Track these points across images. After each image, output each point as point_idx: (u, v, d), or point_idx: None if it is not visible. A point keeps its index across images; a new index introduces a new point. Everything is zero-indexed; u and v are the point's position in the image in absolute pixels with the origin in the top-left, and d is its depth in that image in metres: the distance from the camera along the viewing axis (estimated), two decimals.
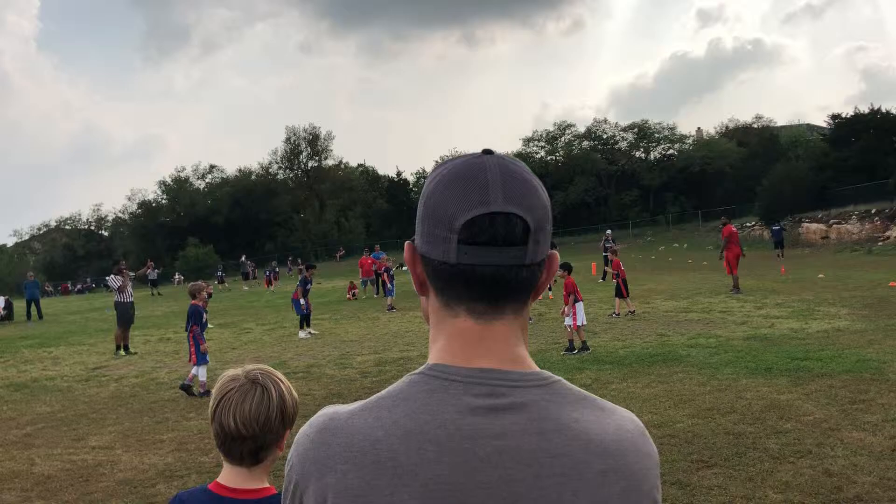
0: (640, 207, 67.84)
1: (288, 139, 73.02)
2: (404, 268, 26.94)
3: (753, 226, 51.18)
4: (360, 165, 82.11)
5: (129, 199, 76.10)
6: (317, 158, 74.31)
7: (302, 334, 15.67)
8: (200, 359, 9.67)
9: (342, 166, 78.27)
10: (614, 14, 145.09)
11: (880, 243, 33.92)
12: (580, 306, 11.18)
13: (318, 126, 75.89)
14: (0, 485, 6.24)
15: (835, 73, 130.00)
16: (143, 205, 74.57)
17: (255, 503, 1.73)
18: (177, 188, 73.71)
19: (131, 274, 15.23)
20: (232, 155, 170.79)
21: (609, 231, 27.94)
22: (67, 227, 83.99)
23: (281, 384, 1.79)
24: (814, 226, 42.13)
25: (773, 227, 38.61)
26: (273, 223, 70.55)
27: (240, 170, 76.43)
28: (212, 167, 78.35)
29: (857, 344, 10.09)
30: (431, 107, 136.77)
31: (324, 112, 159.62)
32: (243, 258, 53.70)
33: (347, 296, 26.57)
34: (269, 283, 40.49)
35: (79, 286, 65.69)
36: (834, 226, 39.80)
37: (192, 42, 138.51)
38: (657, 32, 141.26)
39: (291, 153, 73.60)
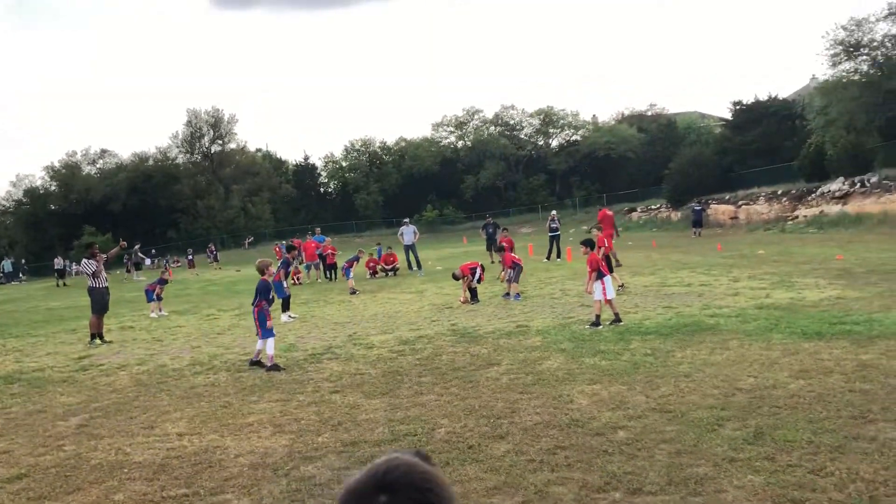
0: (547, 191, 69.18)
1: (189, 122, 70.13)
2: (378, 248, 26.32)
3: (660, 208, 53.16)
4: (258, 150, 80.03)
5: (14, 185, 71.23)
6: (220, 142, 71.74)
7: (284, 317, 15.12)
8: (266, 333, 9.67)
9: (243, 150, 75.93)
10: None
11: (790, 222, 35.85)
12: (609, 280, 11.25)
13: (221, 109, 73.23)
14: (111, 475, 5.69)
15: (713, 61, 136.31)
16: (30, 192, 70.02)
17: None
18: (68, 174, 69.56)
19: (104, 256, 14.21)
20: (100, 138, 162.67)
21: (554, 212, 28.36)
22: None
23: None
24: (722, 207, 44.08)
25: (695, 208, 40.12)
26: (175, 210, 67.74)
27: (135, 154, 72.94)
28: (103, 151, 74.49)
29: (873, 308, 10.60)
30: (321, 90, 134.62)
31: (214, 94, 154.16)
32: (136, 248, 51.15)
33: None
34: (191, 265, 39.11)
35: None
36: (743, 207, 41.77)
37: None
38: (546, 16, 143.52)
39: (192, 137, 70.73)
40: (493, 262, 23.47)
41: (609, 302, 11.13)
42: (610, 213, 23.65)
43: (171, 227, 67.84)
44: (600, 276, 11.15)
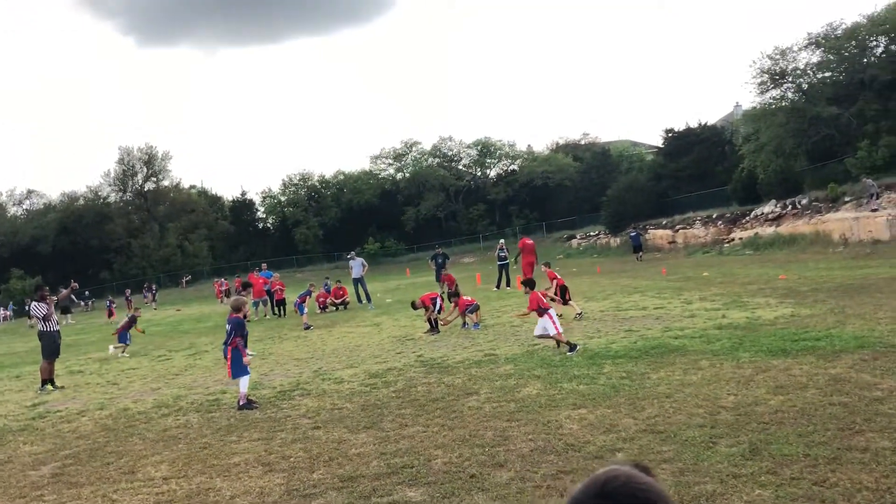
0: (487, 221, 69.76)
1: (121, 160, 68.61)
2: (329, 282, 26.00)
3: (598, 234, 54.16)
4: (192, 186, 78.72)
5: None
6: (154, 180, 70.32)
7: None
8: (241, 371, 9.59)
9: (178, 187, 74.55)
10: (426, 32, 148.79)
11: (726, 245, 36.97)
12: (553, 313, 11.37)
13: (154, 146, 71.90)
14: None
15: (636, 90, 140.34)
16: None
17: None
18: None
19: (54, 298, 13.74)
20: (25, 179, 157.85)
21: (502, 241, 28.60)
22: None
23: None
24: (660, 231, 45.20)
25: (631, 234, 41.04)
26: (108, 250, 65.93)
27: (64, 194, 70.89)
28: (30, 192, 72.31)
29: (829, 325, 10.99)
30: (254, 126, 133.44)
31: (137, 133, 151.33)
32: (62, 291, 49.34)
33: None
34: (111, 313, 37.65)
35: None
36: (680, 231, 42.90)
37: None
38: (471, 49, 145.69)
39: (125, 174, 69.17)
40: (443, 293, 23.54)
41: (557, 334, 11.25)
42: (530, 241, 24.59)
43: (105, 267, 65.97)
44: (542, 312, 11.23)
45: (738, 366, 8.74)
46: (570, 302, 15.99)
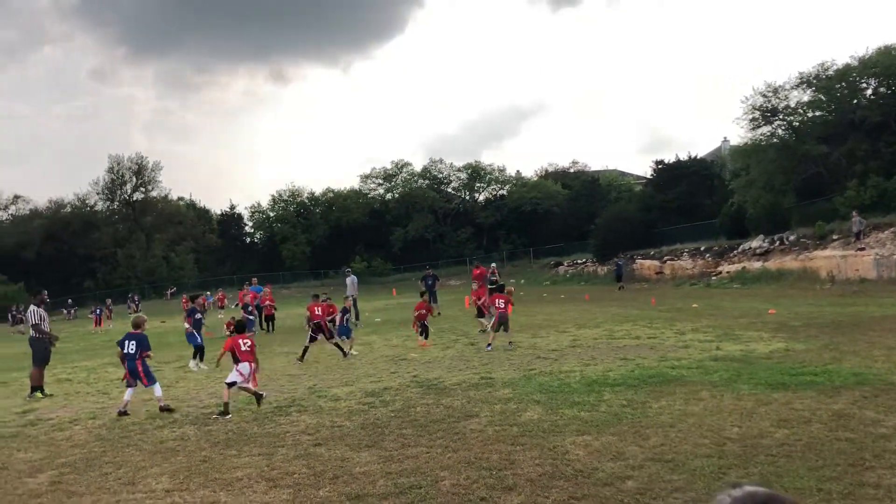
0: (475, 244, 69.89)
1: (111, 169, 68.33)
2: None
3: (586, 262, 54.35)
4: (180, 198, 78.41)
5: None
6: (143, 190, 70.03)
7: (192, 365, 15.75)
8: (153, 378, 10.94)
9: (166, 199, 74.24)
10: (421, 59, 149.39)
11: (714, 277, 37.18)
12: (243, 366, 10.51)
13: (145, 156, 71.62)
14: None
15: (623, 125, 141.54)
16: None
17: None
18: None
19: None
20: (12, 185, 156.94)
21: (494, 264, 28.58)
22: None
23: None
24: (647, 262, 45.42)
25: (618, 262, 41.25)
26: (93, 258, 65.40)
27: (51, 201, 70.42)
28: (16, 197, 71.73)
29: (825, 360, 11.06)
30: (242, 141, 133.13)
31: (127, 143, 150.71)
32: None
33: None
34: (98, 322, 37.35)
35: None
36: (668, 262, 43.11)
37: None
38: (463, 79, 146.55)
39: (114, 183, 68.84)
40: (438, 314, 23.65)
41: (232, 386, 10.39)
42: (484, 270, 25.41)
43: (89, 276, 65.41)
44: (236, 360, 10.53)
45: (738, 398, 8.77)
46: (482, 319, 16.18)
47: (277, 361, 16.09)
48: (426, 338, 17.40)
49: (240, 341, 10.75)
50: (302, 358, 15.57)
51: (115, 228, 67.31)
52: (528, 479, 6.10)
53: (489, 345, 15.47)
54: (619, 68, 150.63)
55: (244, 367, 10.53)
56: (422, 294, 21.00)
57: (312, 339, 16.10)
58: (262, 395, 10.61)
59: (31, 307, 13.53)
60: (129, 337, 10.89)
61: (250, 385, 10.62)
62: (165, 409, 10.49)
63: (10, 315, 43.45)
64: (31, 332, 13.19)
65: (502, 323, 15.73)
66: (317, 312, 16.38)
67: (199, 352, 16.24)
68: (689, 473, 5.95)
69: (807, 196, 36.82)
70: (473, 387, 10.91)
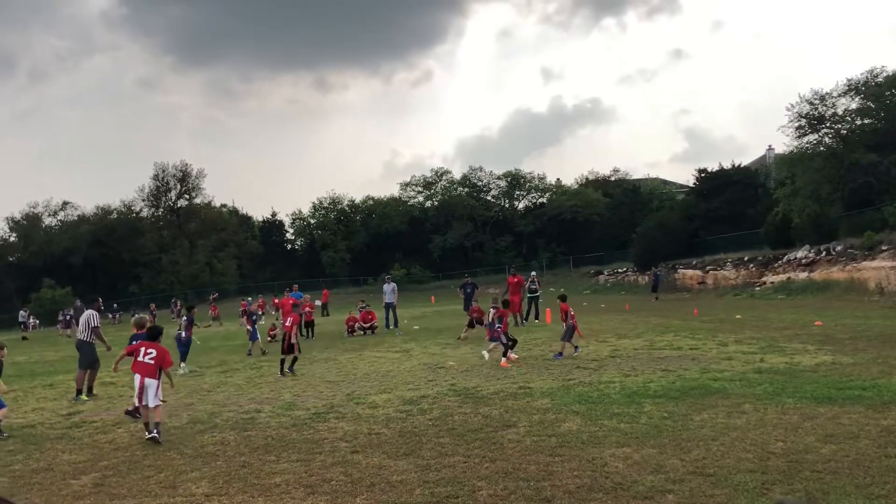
0: (514, 253, 69.67)
1: (156, 176, 69.66)
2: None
3: (626, 271, 53.82)
4: (223, 205, 79.51)
5: None
6: (187, 197, 71.21)
7: (180, 370, 16.21)
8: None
9: (209, 205, 75.38)
10: (462, 69, 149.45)
11: (758, 288, 36.55)
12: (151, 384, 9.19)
13: (189, 163, 72.80)
14: None
15: (661, 132, 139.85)
16: None
17: None
18: (28, 226, 68.23)
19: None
20: (61, 191, 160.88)
21: (534, 273, 28.52)
22: None
23: None
24: (690, 272, 44.83)
25: (657, 273, 40.78)
26: (138, 264, 66.65)
27: (99, 207, 71.95)
28: (65, 203, 73.38)
29: (873, 375, 10.78)
30: (285, 148, 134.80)
31: (172, 150, 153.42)
32: (22, 312, 50.13)
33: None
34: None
35: None
36: (710, 272, 42.50)
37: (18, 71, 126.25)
38: (503, 88, 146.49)
39: (159, 190, 70.15)
40: (480, 325, 23.56)
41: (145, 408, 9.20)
42: (518, 279, 25.18)
43: (134, 281, 66.64)
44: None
45: (782, 411, 8.58)
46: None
47: (317, 368, 16.18)
48: (512, 349, 15.62)
49: (142, 349, 9.32)
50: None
51: (160, 234, 68.55)
52: (566, 492, 6.03)
53: (560, 353, 15.32)
54: (663, 75, 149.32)
55: (136, 380, 9.11)
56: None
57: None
58: (153, 434, 8.82)
59: (91, 311, 13.80)
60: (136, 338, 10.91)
61: (140, 404, 9.05)
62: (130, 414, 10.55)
63: (60, 318, 44.37)
64: (82, 335, 13.45)
65: (569, 331, 15.59)
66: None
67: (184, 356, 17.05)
68: (732, 488, 5.83)
69: (855, 206, 35.96)
70: (511, 396, 10.85)
